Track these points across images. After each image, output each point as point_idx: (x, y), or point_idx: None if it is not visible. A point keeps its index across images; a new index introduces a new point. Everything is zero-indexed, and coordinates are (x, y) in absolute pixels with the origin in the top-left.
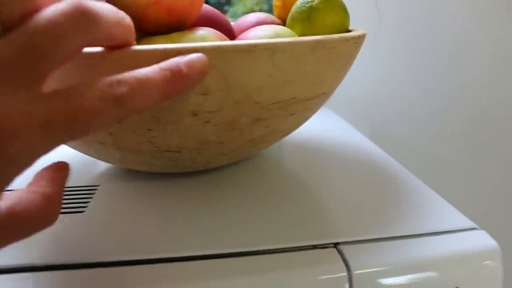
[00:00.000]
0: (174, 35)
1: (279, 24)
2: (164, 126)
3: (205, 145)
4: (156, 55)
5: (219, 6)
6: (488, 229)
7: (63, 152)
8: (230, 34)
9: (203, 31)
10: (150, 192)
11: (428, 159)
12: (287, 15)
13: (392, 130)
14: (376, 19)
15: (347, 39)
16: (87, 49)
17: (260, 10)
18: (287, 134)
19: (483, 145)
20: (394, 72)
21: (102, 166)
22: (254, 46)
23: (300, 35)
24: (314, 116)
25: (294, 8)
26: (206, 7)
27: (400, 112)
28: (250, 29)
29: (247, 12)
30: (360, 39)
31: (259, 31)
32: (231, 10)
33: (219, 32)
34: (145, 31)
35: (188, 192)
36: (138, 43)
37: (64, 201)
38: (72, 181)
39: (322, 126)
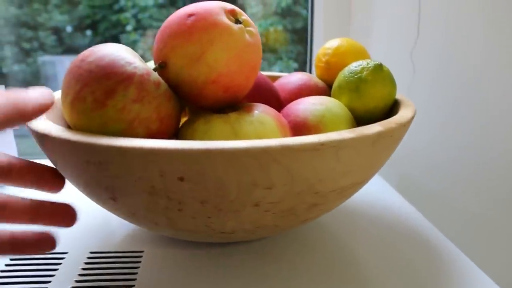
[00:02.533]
0: (233, 116)
1: (322, 86)
2: (224, 215)
3: (260, 228)
4: (225, 153)
5: None
6: None
7: (102, 212)
8: (278, 101)
9: (259, 110)
10: (197, 260)
11: (459, 215)
12: (329, 77)
13: (423, 184)
14: (411, 69)
15: (404, 125)
16: None
17: (275, 31)
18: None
19: None
20: (427, 124)
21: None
22: (322, 144)
23: (347, 105)
24: None
25: (342, 77)
26: None
27: (431, 166)
28: (299, 100)
29: (262, 33)
30: (412, 118)
31: (311, 105)
32: None
33: (273, 110)
34: (199, 106)
35: (234, 261)
36: (194, 119)
37: (114, 270)
38: (118, 245)
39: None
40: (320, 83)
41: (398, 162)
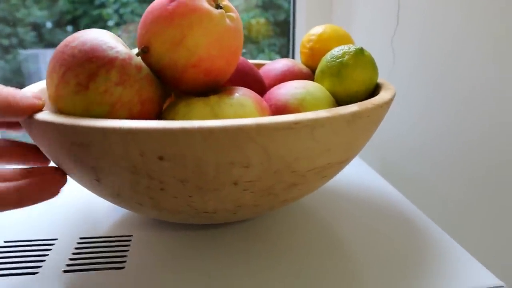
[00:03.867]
0: (213, 99)
1: (306, 72)
2: (204, 193)
3: (241, 207)
4: (202, 131)
5: None
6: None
7: (90, 198)
8: (262, 86)
9: (240, 93)
10: (185, 243)
11: (441, 199)
12: (314, 62)
13: (404, 168)
14: (391, 58)
15: (381, 106)
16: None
17: (257, 23)
18: (312, 192)
19: (500, 191)
20: (408, 110)
21: (133, 214)
22: (296, 123)
23: (329, 90)
24: None
25: (323, 62)
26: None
27: (413, 150)
28: (282, 84)
29: (244, 26)
30: (391, 100)
31: (293, 89)
32: None
33: (253, 93)
34: (181, 90)
35: (222, 243)
36: (176, 102)
37: (104, 254)
38: (107, 230)
39: None
40: (304, 68)
41: (380, 147)
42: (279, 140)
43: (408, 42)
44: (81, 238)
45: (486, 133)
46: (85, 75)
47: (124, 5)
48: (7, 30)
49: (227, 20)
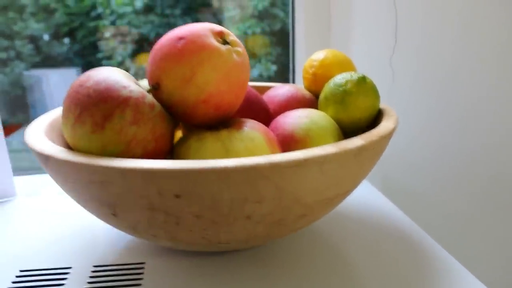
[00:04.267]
0: (223, 134)
1: (309, 97)
2: (218, 227)
3: (253, 238)
4: (217, 171)
5: None
6: None
7: (100, 225)
8: (267, 113)
9: (249, 127)
10: (198, 269)
11: (443, 214)
12: (316, 88)
13: (405, 183)
14: (390, 75)
15: (385, 137)
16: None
17: (253, 34)
18: (318, 219)
19: (502, 206)
20: (408, 126)
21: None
22: (305, 160)
23: (333, 116)
24: None
25: (327, 89)
26: None
27: (414, 166)
28: (287, 113)
29: (241, 36)
30: (394, 129)
31: (298, 118)
32: None
33: (261, 126)
34: (192, 124)
35: (235, 269)
36: (187, 136)
37: (119, 282)
38: (119, 258)
39: None
40: (307, 94)
41: (381, 163)
42: (290, 176)
43: (407, 60)
44: (94, 266)
45: (487, 147)
46: (101, 115)
47: (120, 16)
48: (5, 43)
49: (235, 56)
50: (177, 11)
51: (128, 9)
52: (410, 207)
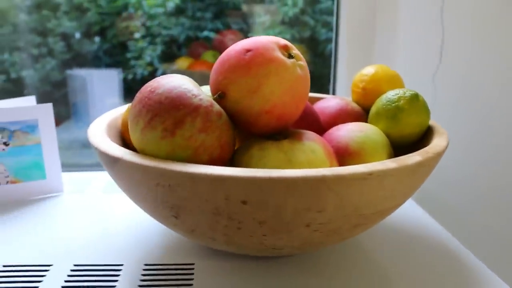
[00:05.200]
0: (286, 145)
1: (358, 111)
2: (278, 233)
3: (306, 245)
4: (285, 181)
5: (243, 34)
6: None
7: (150, 226)
8: (319, 124)
9: (310, 140)
10: (246, 272)
11: (481, 230)
12: (365, 102)
13: (445, 199)
14: (433, 93)
15: (440, 154)
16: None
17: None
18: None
19: None
20: (451, 146)
21: (191, 242)
22: (369, 174)
23: (384, 131)
24: None
25: (379, 104)
26: None
27: (456, 183)
28: (340, 126)
29: None
30: (447, 147)
31: (351, 132)
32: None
33: (320, 138)
34: (253, 133)
35: (279, 273)
36: (249, 145)
37: (170, 282)
38: (169, 258)
39: None
40: (356, 107)
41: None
42: (353, 188)
43: (450, 79)
44: (146, 264)
45: None
46: (172, 121)
47: (151, 17)
48: (37, 40)
49: (298, 69)
50: (208, 15)
51: (159, 10)
52: (449, 223)
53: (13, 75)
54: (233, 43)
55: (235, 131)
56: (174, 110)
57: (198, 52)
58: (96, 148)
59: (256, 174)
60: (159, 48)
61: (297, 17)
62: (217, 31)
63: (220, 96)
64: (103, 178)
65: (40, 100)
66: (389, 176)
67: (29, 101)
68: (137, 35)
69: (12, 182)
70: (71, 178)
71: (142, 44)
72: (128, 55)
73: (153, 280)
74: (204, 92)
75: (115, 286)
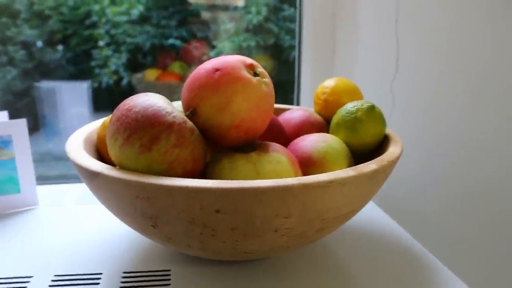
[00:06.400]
0: (254, 157)
1: (320, 121)
2: (249, 238)
3: (275, 249)
4: (255, 191)
5: (208, 42)
6: None
7: (126, 235)
8: (284, 135)
9: (275, 151)
10: (219, 277)
11: (450, 239)
12: (327, 112)
13: (412, 206)
14: (390, 101)
15: (394, 161)
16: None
17: (248, 47)
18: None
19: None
20: (408, 151)
21: (167, 249)
22: (331, 182)
23: (344, 140)
24: None
25: (339, 116)
26: None
27: (414, 188)
28: (304, 137)
29: (235, 49)
30: (401, 154)
31: (315, 142)
32: (220, 45)
33: (285, 149)
34: (223, 146)
35: (252, 276)
36: (219, 157)
37: (148, 287)
38: (146, 265)
39: None
40: (318, 118)
41: (388, 185)
42: (316, 196)
43: (406, 87)
44: (124, 272)
45: (491, 173)
46: (148, 138)
47: (115, 25)
48: None
49: (263, 86)
50: (173, 22)
51: (124, 18)
52: (414, 228)
53: None
54: (199, 52)
55: (206, 144)
56: (150, 127)
57: (166, 63)
58: (75, 164)
59: (228, 185)
60: (124, 56)
61: (261, 25)
62: (182, 39)
63: (192, 112)
64: (77, 190)
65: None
66: (349, 184)
67: (1, 116)
68: (101, 43)
69: None
70: (45, 191)
71: (107, 52)
72: (93, 63)
73: (132, 287)
74: (177, 109)
75: None
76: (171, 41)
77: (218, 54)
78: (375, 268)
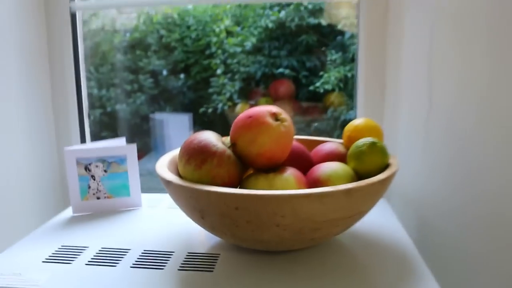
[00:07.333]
0: (271, 175)
1: (344, 153)
2: (261, 229)
3: (284, 240)
4: (264, 197)
5: (310, 78)
6: None
7: (194, 228)
8: (310, 163)
9: (287, 173)
10: (255, 264)
11: (476, 261)
12: (350, 146)
13: (440, 226)
14: (425, 135)
15: (372, 184)
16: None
17: (352, 77)
18: (337, 234)
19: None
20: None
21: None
22: (309, 194)
23: (354, 168)
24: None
25: (352, 148)
26: (294, 144)
27: (449, 209)
28: (323, 163)
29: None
30: (385, 180)
31: (325, 168)
32: (325, 76)
33: (297, 172)
34: (254, 168)
35: (283, 266)
36: (250, 175)
37: (194, 263)
38: (204, 249)
39: (375, 221)
40: (342, 150)
41: (417, 204)
42: (301, 203)
43: (440, 125)
44: (188, 252)
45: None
46: (200, 160)
47: (231, 56)
48: (130, 77)
49: (282, 128)
50: (283, 53)
51: (238, 49)
52: (441, 250)
53: (109, 109)
54: (284, 90)
55: (242, 167)
56: (201, 154)
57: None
58: (158, 175)
59: (243, 192)
60: (237, 84)
61: None
62: (292, 68)
63: (232, 145)
64: (169, 198)
65: (131, 132)
66: (326, 196)
67: (121, 141)
68: (218, 72)
69: (108, 197)
70: (148, 197)
71: (223, 80)
72: (210, 90)
73: (190, 262)
74: (224, 142)
75: (166, 264)
76: (280, 70)
77: (324, 84)
78: (385, 266)
